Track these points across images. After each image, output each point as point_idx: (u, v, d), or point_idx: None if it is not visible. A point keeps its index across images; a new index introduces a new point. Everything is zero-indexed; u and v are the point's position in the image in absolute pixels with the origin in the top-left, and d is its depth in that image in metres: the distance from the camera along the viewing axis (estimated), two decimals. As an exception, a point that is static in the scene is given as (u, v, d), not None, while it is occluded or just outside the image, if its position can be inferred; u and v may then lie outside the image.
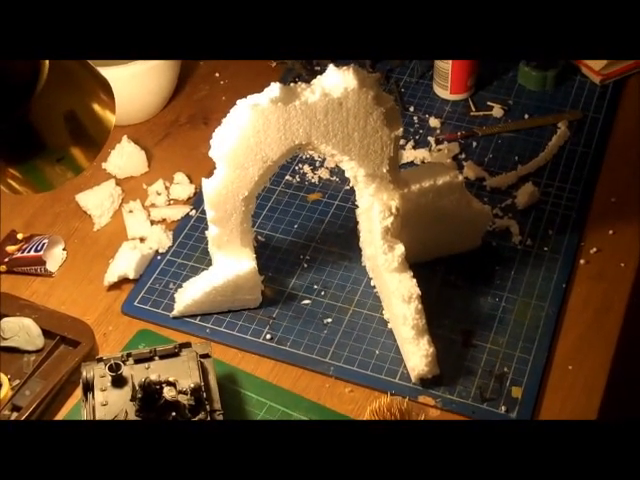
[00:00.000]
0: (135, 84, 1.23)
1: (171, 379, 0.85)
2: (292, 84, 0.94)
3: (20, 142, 0.74)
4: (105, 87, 0.80)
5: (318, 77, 0.94)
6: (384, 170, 0.97)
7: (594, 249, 1.09)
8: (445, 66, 1.27)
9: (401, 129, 0.96)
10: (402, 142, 1.22)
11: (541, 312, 1.03)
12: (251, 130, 0.93)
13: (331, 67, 0.94)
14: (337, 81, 0.93)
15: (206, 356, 0.92)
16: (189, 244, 1.12)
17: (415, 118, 1.28)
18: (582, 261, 1.08)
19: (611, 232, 1.11)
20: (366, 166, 0.97)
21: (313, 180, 1.20)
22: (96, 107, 0.79)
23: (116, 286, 1.08)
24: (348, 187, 1.17)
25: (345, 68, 0.93)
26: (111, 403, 0.87)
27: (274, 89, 0.92)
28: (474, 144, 1.24)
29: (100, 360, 0.90)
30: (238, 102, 0.94)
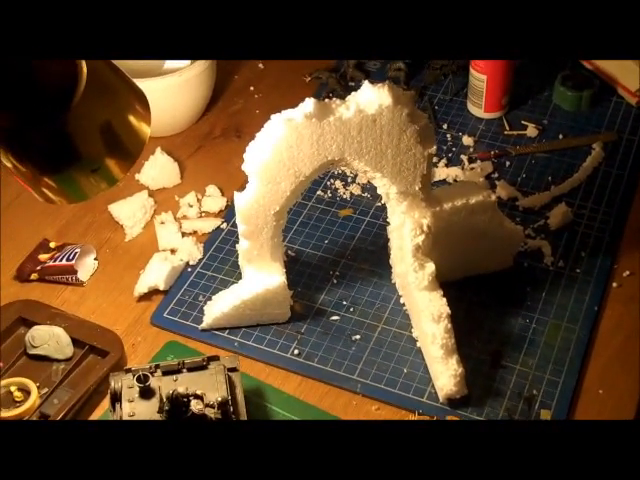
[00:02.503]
0: (170, 96, 1.24)
1: (198, 392, 0.85)
2: (326, 99, 0.95)
3: (56, 152, 0.74)
4: (141, 99, 0.80)
5: (353, 93, 0.94)
6: (416, 188, 0.97)
7: (627, 272, 1.08)
8: (480, 84, 1.27)
9: (435, 147, 0.96)
10: (435, 160, 1.21)
11: (572, 335, 1.02)
12: (284, 145, 0.93)
13: (366, 83, 0.94)
14: (372, 98, 0.93)
15: (234, 370, 0.92)
16: (219, 257, 1.12)
17: (448, 136, 1.28)
18: (615, 284, 1.07)
19: (645, 255, 1.10)
20: (398, 183, 0.97)
21: (345, 196, 1.20)
22: (132, 119, 0.79)
23: (146, 297, 1.08)
24: (380, 204, 1.17)
25: (380, 85, 0.93)
26: (138, 414, 0.87)
27: (308, 104, 0.93)
28: (507, 163, 1.23)
29: (128, 371, 0.90)
30: (272, 117, 0.94)
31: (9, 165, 0.75)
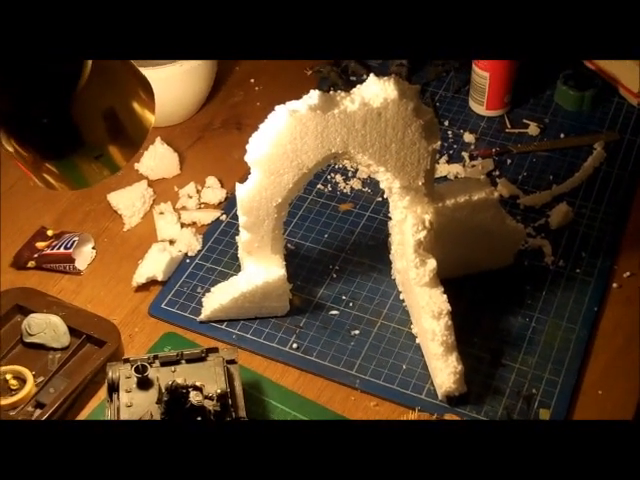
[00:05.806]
0: (170, 86, 1.23)
1: (198, 384, 0.85)
2: (331, 92, 0.94)
3: (60, 137, 0.74)
4: (146, 86, 0.80)
5: (358, 86, 0.93)
6: (419, 183, 0.96)
7: (627, 273, 1.08)
8: (482, 81, 1.26)
9: (439, 142, 0.95)
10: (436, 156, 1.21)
11: (571, 334, 1.01)
12: (288, 136, 0.92)
13: (372, 77, 0.93)
14: (377, 91, 0.92)
15: (232, 362, 0.92)
16: (219, 249, 1.12)
17: (450, 133, 1.27)
18: (615, 284, 1.07)
19: (645, 256, 1.10)
20: (402, 178, 0.96)
21: (345, 190, 1.19)
22: (136, 106, 0.78)
23: (144, 287, 1.07)
24: (380, 199, 1.16)
25: (386, 78, 0.92)
26: (136, 405, 0.86)
27: (313, 96, 0.92)
28: (508, 161, 1.22)
29: (126, 361, 0.89)
30: (276, 108, 0.93)
31: (10, 149, 0.74)
